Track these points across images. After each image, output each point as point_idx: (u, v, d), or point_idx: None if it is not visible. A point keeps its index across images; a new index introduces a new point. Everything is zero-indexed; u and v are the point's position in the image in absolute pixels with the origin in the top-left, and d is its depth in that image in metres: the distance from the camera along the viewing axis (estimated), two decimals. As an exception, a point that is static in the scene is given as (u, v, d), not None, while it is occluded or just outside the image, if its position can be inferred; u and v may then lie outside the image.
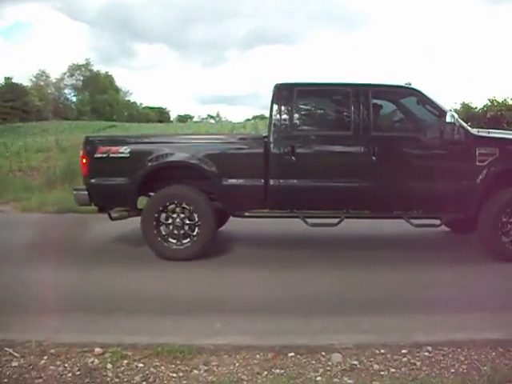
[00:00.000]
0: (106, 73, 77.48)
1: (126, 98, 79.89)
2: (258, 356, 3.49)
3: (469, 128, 6.10)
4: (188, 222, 5.98)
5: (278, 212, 6.28)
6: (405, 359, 3.48)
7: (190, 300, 4.62)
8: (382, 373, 3.27)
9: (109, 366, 3.35)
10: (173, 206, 5.98)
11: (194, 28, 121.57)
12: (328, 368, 3.34)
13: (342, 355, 3.51)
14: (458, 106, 16.72)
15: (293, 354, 3.51)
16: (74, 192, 6.33)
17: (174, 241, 5.98)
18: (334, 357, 3.48)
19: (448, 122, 5.69)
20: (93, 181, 6.07)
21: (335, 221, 6.02)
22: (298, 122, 6.20)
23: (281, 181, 5.95)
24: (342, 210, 6.08)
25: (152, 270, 5.61)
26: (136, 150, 6.08)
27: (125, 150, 5.98)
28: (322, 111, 6.68)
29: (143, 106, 79.86)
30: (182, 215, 5.96)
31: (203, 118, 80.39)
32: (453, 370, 3.31)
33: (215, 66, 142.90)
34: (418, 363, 3.42)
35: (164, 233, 5.99)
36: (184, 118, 77.99)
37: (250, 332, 3.90)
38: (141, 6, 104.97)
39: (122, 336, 3.75)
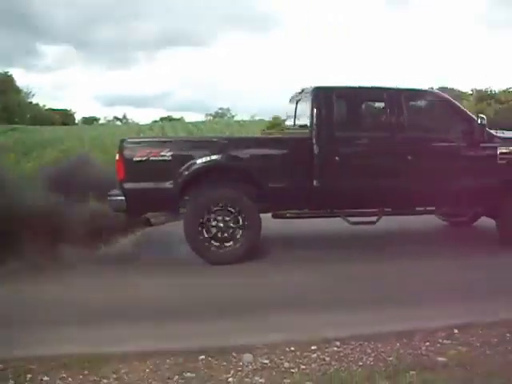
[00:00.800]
0: (6, 73, 73.31)
1: (28, 100, 75.96)
2: (168, 361, 3.50)
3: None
4: (233, 225, 5.94)
5: (318, 212, 6.50)
6: (314, 355, 3.61)
7: (97, 308, 4.55)
8: (293, 370, 3.38)
9: (11, 382, 3.23)
10: (218, 209, 5.92)
11: (100, 29, 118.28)
12: (239, 368, 3.40)
13: (253, 355, 3.59)
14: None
15: (203, 356, 3.55)
16: (109, 198, 6.05)
17: (220, 244, 5.94)
18: (245, 357, 3.56)
19: (480, 124, 6.22)
20: (131, 185, 5.84)
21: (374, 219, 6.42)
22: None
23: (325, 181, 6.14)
24: (380, 207, 6.45)
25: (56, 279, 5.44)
26: (178, 153, 5.96)
27: (167, 153, 5.83)
28: (361, 114, 7.06)
29: (46, 107, 76.22)
30: (228, 218, 5.92)
31: (109, 120, 78.12)
32: (360, 363, 3.48)
33: (122, 67, 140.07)
34: (328, 358, 3.56)
35: (210, 236, 5.91)
36: (89, 120, 75.46)
37: (160, 336, 3.91)
38: (44, 6, 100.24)
39: (26, 349, 3.62)
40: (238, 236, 5.96)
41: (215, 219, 5.92)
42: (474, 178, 6.34)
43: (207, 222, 5.91)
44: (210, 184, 5.98)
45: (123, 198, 5.83)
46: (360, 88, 6.68)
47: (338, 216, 6.37)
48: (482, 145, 6.38)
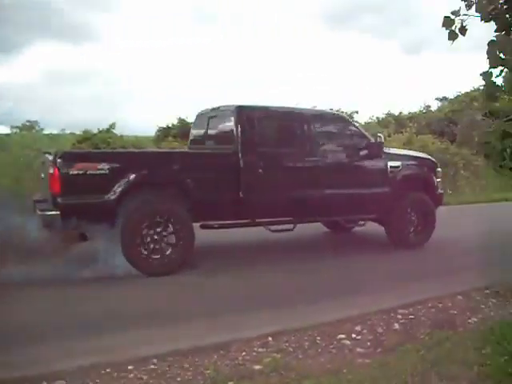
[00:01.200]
0: None
1: None
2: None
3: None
4: (167, 236, 6.24)
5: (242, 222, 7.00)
6: (131, 375, 3.57)
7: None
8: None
9: None
10: (153, 222, 6.17)
11: None
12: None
13: (66, 381, 3.42)
14: (175, 121, 19.51)
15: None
16: (41, 213, 5.97)
17: (155, 255, 6.16)
18: (57, 384, 3.35)
19: (377, 143, 7.69)
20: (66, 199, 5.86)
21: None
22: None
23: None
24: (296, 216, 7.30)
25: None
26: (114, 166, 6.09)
27: (104, 167, 5.97)
28: (278, 132, 7.51)
29: None
30: (162, 230, 6.20)
31: None
32: (179, 379, 3.59)
33: None
34: (145, 377, 3.58)
35: (145, 248, 6.11)
36: None
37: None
38: None
39: None
40: (172, 247, 6.24)
41: (150, 231, 6.15)
42: (374, 189, 7.64)
43: (142, 234, 6.10)
44: (144, 197, 6.20)
45: (57, 212, 5.77)
46: (278, 108, 7.73)
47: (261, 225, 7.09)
48: (376, 160, 7.72)
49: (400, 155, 8.38)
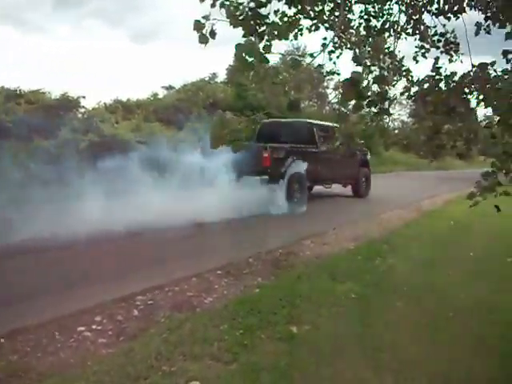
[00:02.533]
0: None
1: None
2: None
3: None
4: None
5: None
6: None
7: None
8: None
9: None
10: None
11: None
12: None
13: None
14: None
15: None
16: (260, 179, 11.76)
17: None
18: None
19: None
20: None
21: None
22: None
23: None
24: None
25: None
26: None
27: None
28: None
29: None
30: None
31: None
32: None
33: None
34: None
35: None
36: None
37: None
38: None
39: None
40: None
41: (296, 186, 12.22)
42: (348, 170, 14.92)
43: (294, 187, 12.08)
44: (294, 169, 12.12)
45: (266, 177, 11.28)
46: (323, 123, 14.72)
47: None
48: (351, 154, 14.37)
49: (359, 150, 14.66)
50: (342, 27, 6.43)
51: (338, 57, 6.85)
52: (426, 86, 4.52)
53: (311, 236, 8.66)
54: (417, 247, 8.16)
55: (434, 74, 4.43)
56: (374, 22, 6.51)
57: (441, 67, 4.44)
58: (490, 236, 9.46)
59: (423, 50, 6.65)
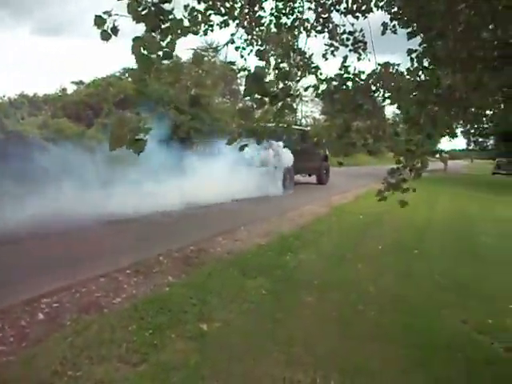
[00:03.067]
0: None
1: None
2: None
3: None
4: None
5: None
6: None
7: None
8: None
9: None
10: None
11: None
12: None
13: None
14: None
15: None
16: None
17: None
18: None
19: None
20: None
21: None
22: None
23: None
24: None
25: None
26: None
27: None
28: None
29: None
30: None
31: None
32: None
33: None
34: None
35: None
36: None
37: None
38: None
39: None
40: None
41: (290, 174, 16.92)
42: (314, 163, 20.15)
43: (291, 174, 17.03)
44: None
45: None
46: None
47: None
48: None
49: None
50: (253, 24, 6.52)
51: (249, 53, 6.92)
52: (334, 83, 4.66)
53: (223, 233, 8.70)
54: (327, 242, 8.43)
55: (342, 72, 4.58)
56: (284, 19, 6.63)
57: (349, 66, 4.60)
58: (398, 229, 9.96)
59: (332, 48, 6.85)
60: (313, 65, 6.61)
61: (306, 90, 5.56)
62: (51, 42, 53.14)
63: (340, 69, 4.63)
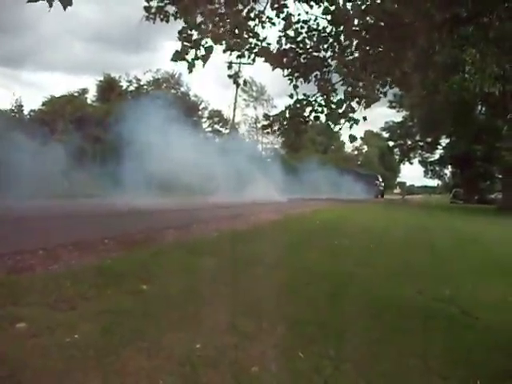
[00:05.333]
0: None
1: None
2: None
3: None
4: None
5: None
6: None
7: None
8: None
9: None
10: None
11: None
12: None
13: None
14: None
15: None
16: None
17: None
18: None
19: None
20: None
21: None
22: None
23: None
24: None
25: None
26: None
27: None
28: None
29: None
30: None
31: None
32: None
33: None
34: None
35: None
36: None
37: None
38: None
39: None
40: None
41: None
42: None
43: None
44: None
45: None
46: None
47: None
48: None
49: None
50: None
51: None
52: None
53: (175, 227, 8.48)
54: (282, 238, 8.30)
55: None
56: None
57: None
58: (355, 231, 9.95)
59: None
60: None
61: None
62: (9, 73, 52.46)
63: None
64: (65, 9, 2.93)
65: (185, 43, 4.89)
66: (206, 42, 5.05)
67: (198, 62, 5.27)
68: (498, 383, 2.76)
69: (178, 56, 4.90)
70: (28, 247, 5.53)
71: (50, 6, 2.90)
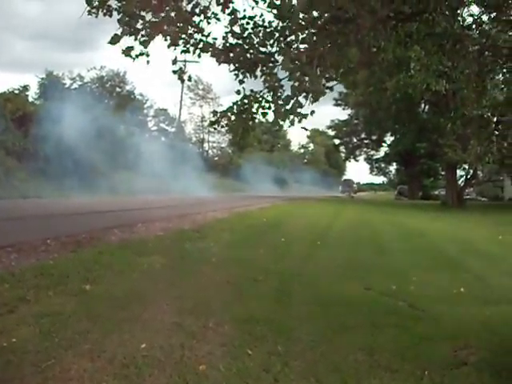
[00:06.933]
0: None
1: None
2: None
3: None
4: None
5: None
6: None
7: None
8: None
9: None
10: None
11: None
12: None
13: None
14: None
15: None
16: None
17: None
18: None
19: None
20: None
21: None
22: None
23: None
24: None
25: None
26: None
27: None
28: None
29: None
30: None
31: None
32: None
33: None
34: None
35: None
36: None
37: None
38: None
39: None
40: None
41: None
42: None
43: None
44: None
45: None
46: None
47: None
48: None
49: None
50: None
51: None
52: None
53: (119, 226, 8.29)
54: (229, 235, 8.25)
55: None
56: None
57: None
58: (302, 228, 10.00)
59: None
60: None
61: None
62: None
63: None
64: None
65: (124, 27, 4.80)
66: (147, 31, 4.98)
67: (142, 60, 5.20)
68: (446, 373, 2.81)
69: (116, 39, 4.82)
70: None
71: None
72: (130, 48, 5.15)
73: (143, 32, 4.99)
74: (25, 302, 3.57)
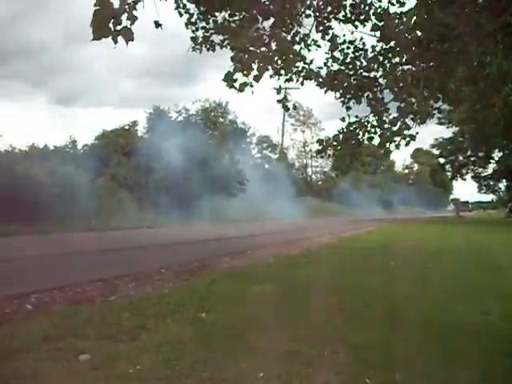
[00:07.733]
0: None
1: None
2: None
3: None
4: None
5: None
6: None
7: None
8: None
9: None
10: None
11: None
12: None
13: None
14: None
15: None
16: None
17: None
18: None
19: None
20: None
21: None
22: None
23: None
24: None
25: None
26: None
27: None
28: None
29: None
30: None
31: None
32: None
33: None
34: None
35: None
36: None
37: None
38: None
39: None
40: None
41: None
42: None
43: None
44: None
45: None
46: None
47: None
48: None
49: None
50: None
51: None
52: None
53: (228, 254, 8.47)
54: (337, 260, 8.15)
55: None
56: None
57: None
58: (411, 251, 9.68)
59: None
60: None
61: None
62: (64, 110, 55.22)
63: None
64: (127, 43, 3.00)
65: (236, 64, 4.98)
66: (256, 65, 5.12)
67: (248, 89, 5.33)
68: None
69: (229, 76, 5.00)
70: (86, 279, 5.65)
71: (115, 42, 2.97)
72: (234, 80, 5.33)
73: (255, 66, 5.12)
74: (145, 330, 3.70)
